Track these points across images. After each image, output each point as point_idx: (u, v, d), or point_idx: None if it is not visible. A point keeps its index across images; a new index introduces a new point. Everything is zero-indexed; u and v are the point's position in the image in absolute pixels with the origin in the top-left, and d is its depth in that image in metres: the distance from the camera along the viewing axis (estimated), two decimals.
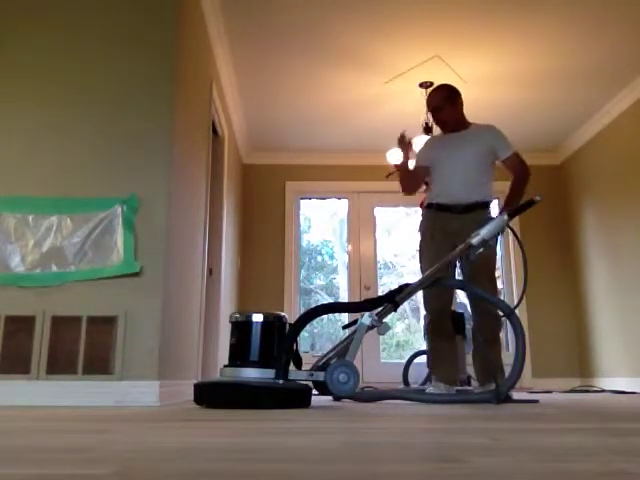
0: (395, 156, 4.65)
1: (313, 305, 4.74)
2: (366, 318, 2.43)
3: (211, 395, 2.23)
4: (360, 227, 6.04)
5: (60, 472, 0.75)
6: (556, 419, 1.64)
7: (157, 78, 2.73)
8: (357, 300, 5.53)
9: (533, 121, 5.27)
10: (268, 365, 2.23)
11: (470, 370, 3.35)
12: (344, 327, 2.82)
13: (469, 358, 3.46)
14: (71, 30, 2.79)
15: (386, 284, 6.03)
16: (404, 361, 4.69)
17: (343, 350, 2.59)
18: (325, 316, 5.60)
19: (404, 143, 3.30)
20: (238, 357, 2.31)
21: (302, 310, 5.68)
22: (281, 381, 2.19)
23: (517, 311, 2.52)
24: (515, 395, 2.79)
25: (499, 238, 2.84)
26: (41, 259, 2.49)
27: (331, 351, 2.79)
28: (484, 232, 2.60)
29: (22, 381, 2.35)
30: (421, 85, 4.57)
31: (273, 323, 2.36)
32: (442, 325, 3.02)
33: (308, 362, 2.69)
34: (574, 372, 5.58)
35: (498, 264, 3.17)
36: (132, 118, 2.68)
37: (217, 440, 1.11)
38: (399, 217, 6.46)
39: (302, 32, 3.95)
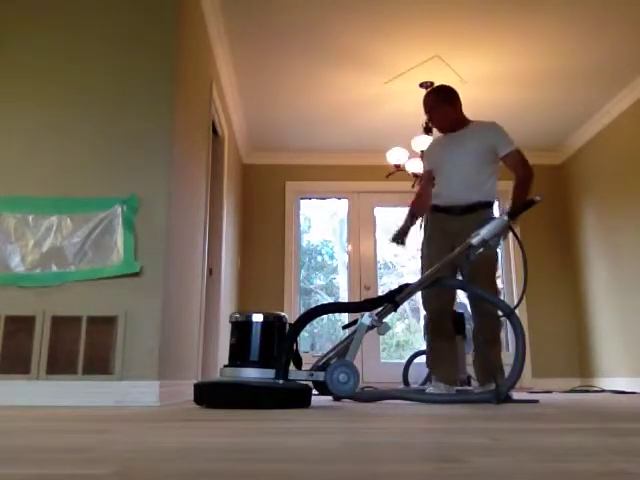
0: (395, 156, 4.66)
1: (313, 305, 4.74)
2: (366, 318, 2.43)
3: (211, 395, 2.23)
4: (360, 227, 6.04)
5: (60, 472, 0.75)
6: (556, 419, 1.64)
7: (157, 78, 2.73)
8: (357, 300, 5.53)
9: (533, 121, 5.27)
10: (268, 365, 2.23)
11: (470, 370, 3.35)
12: (344, 327, 2.82)
13: (469, 358, 3.46)
14: (71, 30, 2.79)
15: (386, 284, 6.03)
16: (404, 361, 4.69)
17: (343, 350, 2.59)
18: (325, 316, 5.61)
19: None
20: (238, 357, 2.31)
21: (302, 310, 5.68)
22: (281, 381, 2.19)
23: (517, 311, 2.52)
24: (515, 395, 2.79)
25: (501, 241, 2.83)
26: (41, 259, 2.49)
27: (331, 351, 2.79)
28: (484, 232, 2.58)
29: (22, 381, 2.35)
30: (421, 85, 4.57)
31: (273, 323, 2.36)
32: (442, 325, 3.01)
33: (308, 362, 2.69)
34: (574, 372, 5.58)
35: (499, 264, 3.13)
36: (132, 118, 2.68)
37: (217, 440, 1.11)
38: (399, 217, 6.44)
39: (302, 32, 3.95)
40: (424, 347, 4.49)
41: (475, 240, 2.58)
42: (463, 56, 4.23)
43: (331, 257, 6.49)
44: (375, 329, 2.46)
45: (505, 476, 0.70)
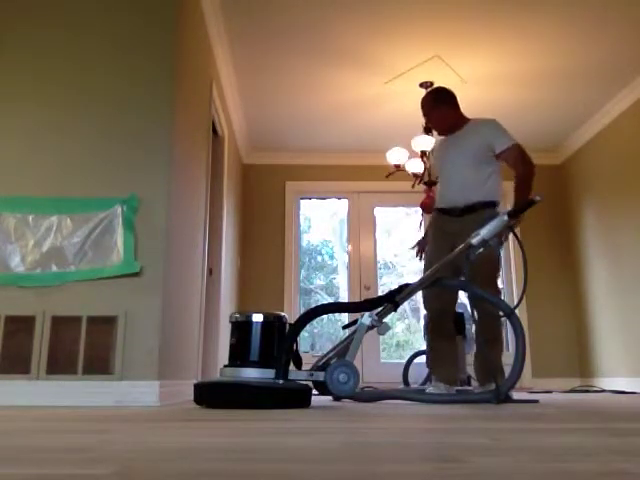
0: (395, 156, 4.66)
1: (313, 305, 4.74)
2: (366, 318, 2.43)
3: (211, 395, 2.23)
4: (360, 227, 6.04)
5: (60, 472, 0.75)
6: (556, 419, 1.64)
7: (157, 78, 2.73)
8: (357, 300, 5.53)
9: (533, 121, 5.27)
10: (268, 365, 2.23)
11: (470, 370, 3.35)
12: (344, 327, 2.82)
13: (469, 358, 3.46)
14: (71, 30, 2.79)
15: (386, 284, 6.03)
16: (404, 361, 4.69)
17: (343, 350, 2.59)
18: (325, 316, 5.61)
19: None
20: (238, 357, 2.31)
21: (302, 310, 5.68)
22: (281, 381, 2.19)
23: (517, 311, 2.52)
24: (515, 395, 2.79)
25: (502, 241, 2.83)
26: (41, 259, 2.49)
27: (331, 351, 2.79)
28: (484, 232, 2.58)
29: (22, 381, 2.34)
30: (421, 85, 4.57)
31: (273, 323, 2.36)
32: (442, 325, 3.01)
33: (308, 362, 2.69)
34: (574, 372, 5.58)
35: (500, 264, 3.11)
36: (132, 118, 2.68)
37: (217, 440, 1.11)
38: (399, 217, 6.46)
39: (302, 32, 3.95)
40: (424, 347, 4.49)
41: (475, 240, 2.58)
42: (463, 56, 4.23)
43: (331, 257, 6.49)
44: (375, 329, 2.46)
45: (505, 476, 0.70)
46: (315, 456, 0.88)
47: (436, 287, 2.75)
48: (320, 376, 2.27)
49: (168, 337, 2.57)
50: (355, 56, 4.25)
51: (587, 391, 4.68)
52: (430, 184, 4.47)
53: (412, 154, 4.64)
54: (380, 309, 2.47)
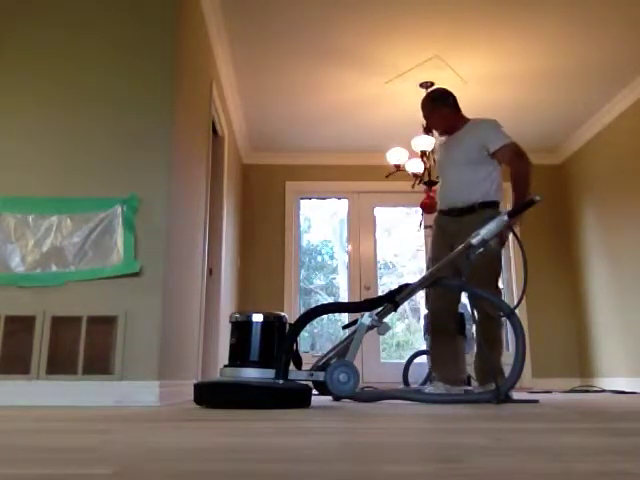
0: (395, 156, 4.66)
1: (313, 305, 4.74)
2: (366, 318, 2.43)
3: (211, 395, 2.23)
4: (360, 227, 6.04)
5: (60, 472, 0.75)
6: (556, 419, 1.64)
7: (157, 78, 2.73)
8: (357, 300, 5.53)
9: (533, 121, 5.27)
10: (268, 365, 2.23)
11: (470, 370, 3.35)
12: (344, 327, 2.82)
13: (469, 358, 3.46)
14: (71, 30, 2.79)
15: (386, 284, 6.03)
16: (404, 361, 4.69)
17: (343, 350, 2.59)
18: (325, 316, 5.61)
19: None
20: (238, 357, 2.31)
21: (302, 310, 5.68)
22: (281, 381, 2.19)
23: (517, 311, 2.52)
24: (515, 395, 2.79)
25: (503, 242, 2.83)
26: (41, 259, 2.49)
27: (331, 351, 2.79)
28: (484, 232, 2.57)
29: (22, 381, 2.34)
30: (421, 85, 4.57)
31: (273, 323, 2.36)
32: (444, 325, 3.01)
33: (308, 362, 2.68)
34: (574, 372, 5.58)
35: (501, 265, 3.10)
36: (132, 118, 2.68)
37: (217, 440, 1.11)
38: (399, 217, 6.46)
39: (302, 32, 3.95)
40: (424, 347, 4.50)
41: (475, 240, 2.58)
42: (463, 56, 4.23)
43: (331, 257, 6.49)
44: (375, 329, 2.46)
45: (505, 476, 0.70)
46: (315, 456, 0.88)
47: (438, 287, 2.75)
48: (320, 376, 2.27)
49: (168, 337, 2.57)
50: (355, 56, 4.25)
51: (587, 391, 4.68)
52: (430, 184, 4.47)
53: (412, 154, 4.64)
54: (380, 309, 2.47)
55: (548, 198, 4.90)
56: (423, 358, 4.51)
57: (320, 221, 6.47)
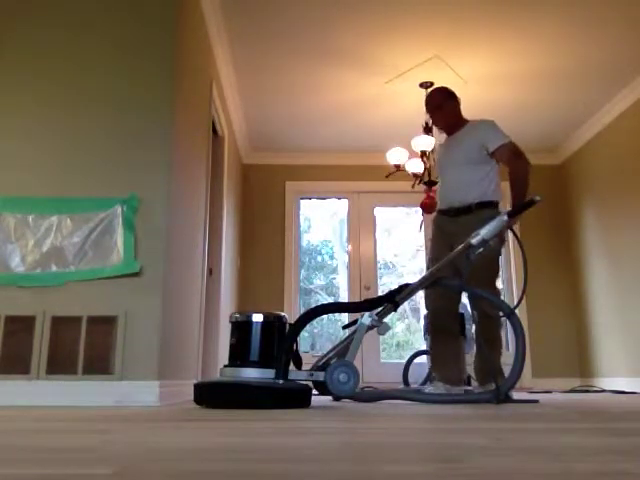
0: (395, 156, 4.66)
1: (313, 305, 4.74)
2: (366, 318, 2.43)
3: (211, 395, 2.23)
4: (360, 227, 6.04)
5: (61, 472, 0.75)
6: (556, 419, 1.64)
7: (157, 78, 2.73)
8: (357, 300, 5.53)
9: (533, 121, 5.27)
10: (268, 365, 2.23)
11: (470, 370, 3.35)
12: (344, 327, 2.82)
13: (469, 358, 3.46)
14: (71, 30, 2.79)
15: (386, 284, 6.03)
16: (404, 361, 4.68)
17: (343, 350, 2.59)
18: (325, 316, 5.61)
19: None
20: (238, 357, 2.31)
21: (302, 310, 5.68)
22: (281, 381, 2.19)
23: (517, 311, 2.52)
24: (515, 395, 2.79)
25: (503, 242, 2.83)
26: (41, 259, 2.49)
27: (331, 351, 2.79)
28: (484, 232, 2.58)
29: (22, 381, 2.34)
30: (421, 85, 4.57)
31: (273, 323, 2.36)
32: (444, 325, 3.01)
33: (308, 362, 2.68)
34: (574, 372, 5.58)
35: (500, 265, 3.10)
36: (132, 118, 2.68)
37: (217, 440, 1.11)
38: (399, 217, 6.46)
39: (302, 32, 3.95)
40: (424, 347, 4.50)
41: (475, 240, 2.58)
42: (463, 56, 4.23)
43: (331, 257, 6.49)
44: (375, 329, 2.46)
45: (505, 476, 0.70)
46: (315, 456, 0.88)
47: (438, 286, 2.75)
48: (320, 376, 2.27)
49: (168, 337, 2.57)
50: (355, 56, 4.25)
51: (587, 391, 4.68)
52: (430, 184, 4.47)
53: (412, 154, 4.64)
54: (380, 309, 2.47)
55: (548, 198, 4.91)
56: (423, 358, 4.51)
57: (320, 221, 6.47)
